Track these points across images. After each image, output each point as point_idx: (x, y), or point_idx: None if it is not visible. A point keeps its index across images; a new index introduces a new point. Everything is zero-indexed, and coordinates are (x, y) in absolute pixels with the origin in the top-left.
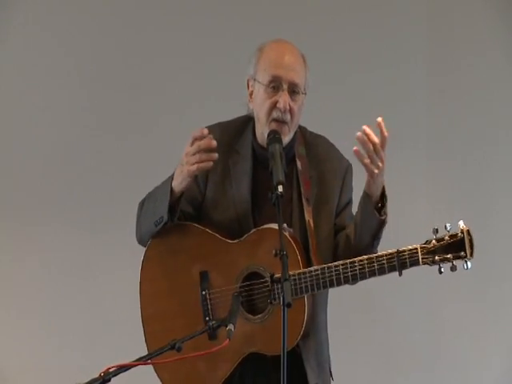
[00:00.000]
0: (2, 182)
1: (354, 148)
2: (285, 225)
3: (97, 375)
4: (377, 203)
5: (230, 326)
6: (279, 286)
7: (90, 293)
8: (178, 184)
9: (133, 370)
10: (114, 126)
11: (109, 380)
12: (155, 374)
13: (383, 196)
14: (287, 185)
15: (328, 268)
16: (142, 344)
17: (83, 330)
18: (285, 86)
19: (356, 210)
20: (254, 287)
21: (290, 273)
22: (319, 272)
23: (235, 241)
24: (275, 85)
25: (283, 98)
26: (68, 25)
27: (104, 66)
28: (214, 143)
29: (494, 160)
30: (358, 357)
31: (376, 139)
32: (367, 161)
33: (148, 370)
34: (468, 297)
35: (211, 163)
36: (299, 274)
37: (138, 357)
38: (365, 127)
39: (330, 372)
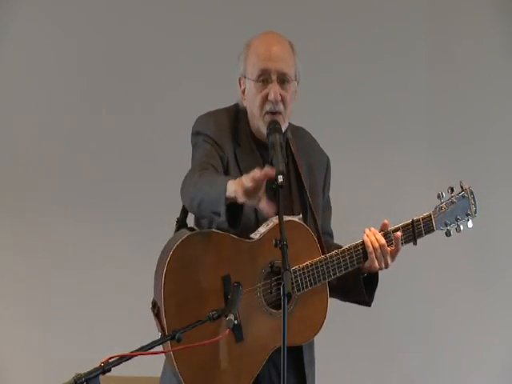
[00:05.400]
0: (1, 174)
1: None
2: (300, 215)
3: (97, 365)
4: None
5: (230, 316)
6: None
7: (91, 284)
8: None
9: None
10: (116, 122)
11: (109, 370)
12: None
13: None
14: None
15: (348, 250)
16: (143, 335)
17: (84, 321)
18: (274, 77)
19: None
20: (276, 283)
21: (314, 260)
22: (340, 255)
23: (253, 240)
24: (264, 78)
25: (273, 90)
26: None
27: (102, 57)
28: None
29: (494, 147)
30: (355, 350)
31: (383, 241)
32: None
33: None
34: (470, 286)
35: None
36: (321, 260)
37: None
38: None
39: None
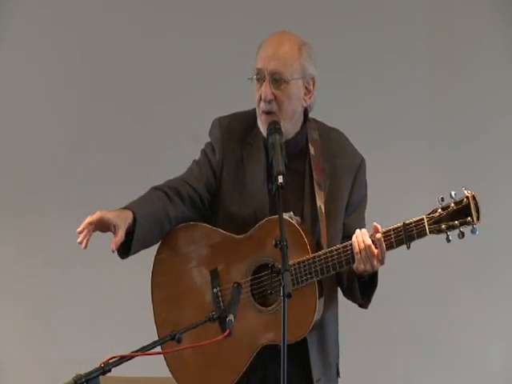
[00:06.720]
0: (1, 175)
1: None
2: (291, 213)
3: (97, 365)
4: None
5: (230, 317)
6: (280, 276)
7: (91, 284)
8: None
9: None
10: (117, 122)
11: (109, 370)
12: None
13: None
14: (299, 172)
15: (336, 250)
16: (143, 335)
17: (84, 320)
18: (267, 77)
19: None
20: (264, 279)
21: (300, 259)
22: (328, 255)
23: (242, 235)
24: (259, 77)
25: (263, 89)
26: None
27: (103, 56)
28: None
29: (494, 147)
30: (362, 350)
31: (368, 241)
32: (358, 256)
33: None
34: (469, 287)
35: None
36: (308, 259)
37: (138, 347)
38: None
39: (338, 370)
